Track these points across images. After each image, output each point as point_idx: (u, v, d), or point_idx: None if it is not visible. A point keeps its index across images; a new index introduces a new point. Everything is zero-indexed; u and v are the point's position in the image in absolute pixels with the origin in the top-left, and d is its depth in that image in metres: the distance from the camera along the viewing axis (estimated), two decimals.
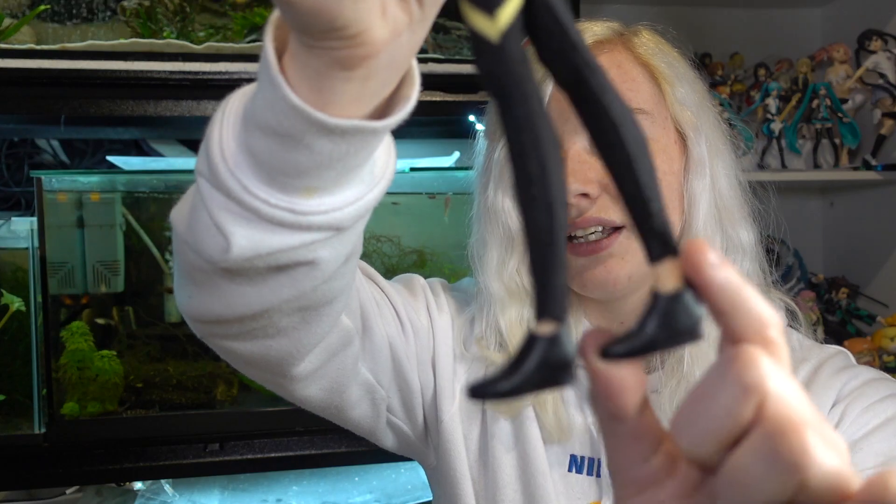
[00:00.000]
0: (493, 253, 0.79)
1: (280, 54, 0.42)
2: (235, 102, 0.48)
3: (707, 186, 0.74)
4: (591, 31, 0.78)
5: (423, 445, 0.84)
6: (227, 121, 0.47)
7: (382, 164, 0.50)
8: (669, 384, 0.74)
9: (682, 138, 0.75)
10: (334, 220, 0.48)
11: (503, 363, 0.29)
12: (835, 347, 0.80)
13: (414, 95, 0.44)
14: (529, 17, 0.27)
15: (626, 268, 0.72)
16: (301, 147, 0.43)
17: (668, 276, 0.28)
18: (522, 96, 0.27)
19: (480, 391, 0.28)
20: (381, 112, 0.44)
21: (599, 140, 0.28)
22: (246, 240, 0.47)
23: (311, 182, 0.45)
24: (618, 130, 0.28)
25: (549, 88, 0.74)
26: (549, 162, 0.27)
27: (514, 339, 0.77)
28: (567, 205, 0.28)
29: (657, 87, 0.75)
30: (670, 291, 0.28)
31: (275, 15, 0.42)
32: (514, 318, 0.78)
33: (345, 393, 0.72)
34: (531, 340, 0.28)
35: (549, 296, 0.28)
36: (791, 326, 0.81)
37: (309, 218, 0.47)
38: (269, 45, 0.41)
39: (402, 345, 0.77)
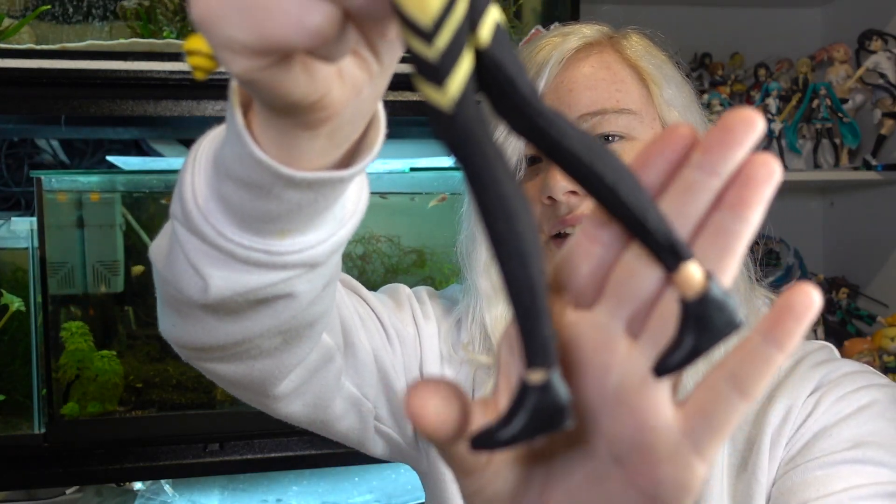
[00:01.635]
0: (480, 250, 0.79)
1: (246, 109, 0.42)
2: (206, 147, 0.48)
3: None
4: (581, 33, 0.79)
5: (415, 451, 0.84)
6: (198, 166, 0.47)
7: (354, 200, 0.50)
8: None
9: None
10: (309, 258, 0.48)
11: (500, 412, 0.30)
12: (819, 342, 0.81)
13: (379, 140, 0.44)
14: (480, 75, 0.27)
15: None
16: (271, 197, 0.43)
17: (689, 282, 0.28)
18: (483, 158, 0.27)
19: (483, 442, 0.29)
20: (349, 157, 0.44)
21: (577, 178, 0.29)
22: (223, 280, 0.48)
23: (284, 225, 0.46)
24: (590, 168, 0.28)
25: (545, 76, 0.75)
26: (518, 218, 0.28)
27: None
28: (541, 252, 0.28)
29: (645, 87, 0.76)
30: (696, 295, 0.28)
31: (235, 88, 0.42)
32: (500, 315, 0.78)
33: (329, 408, 0.73)
34: (524, 390, 0.29)
35: (536, 345, 0.28)
36: None
37: (284, 258, 0.47)
38: (234, 100, 0.41)
39: (389, 355, 0.78)
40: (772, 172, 0.29)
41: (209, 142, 0.49)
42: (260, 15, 0.29)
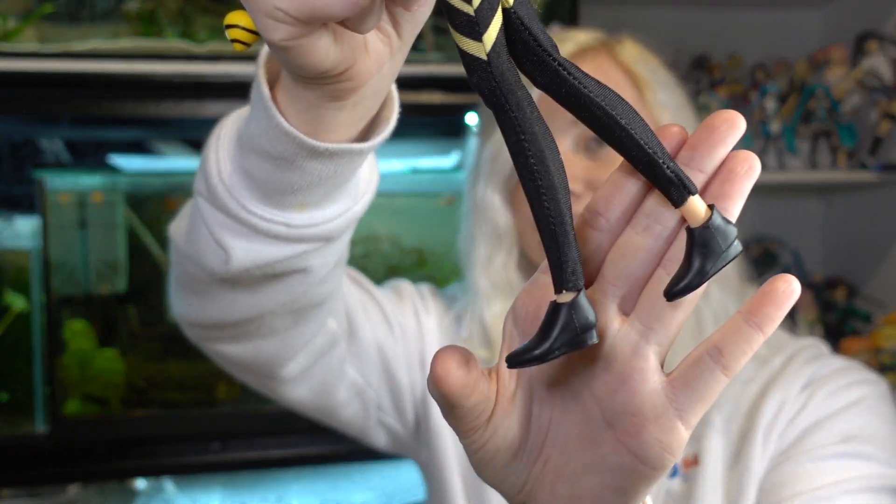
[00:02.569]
0: (480, 249, 0.81)
1: (272, 84, 0.45)
2: (229, 126, 0.52)
3: None
4: (576, 39, 0.80)
5: (415, 442, 0.86)
6: (222, 144, 0.50)
7: (367, 178, 0.54)
8: None
9: None
10: (325, 232, 0.51)
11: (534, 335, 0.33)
12: (809, 339, 0.82)
13: (394, 117, 0.49)
14: (507, 32, 0.31)
15: None
16: (294, 168, 0.46)
17: (694, 212, 0.32)
18: (515, 101, 0.31)
19: (517, 360, 0.32)
20: (365, 133, 0.48)
21: (594, 125, 0.32)
22: (244, 252, 0.50)
23: (304, 198, 0.49)
24: (606, 111, 0.31)
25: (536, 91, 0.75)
26: (546, 154, 0.31)
27: (498, 334, 0.78)
28: (568, 189, 0.32)
29: (639, 91, 0.77)
30: (701, 224, 0.32)
31: (266, 49, 0.45)
32: (499, 313, 0.80)
33: (333, 394, 0.75)
34: (555, 309, 0.32)
35: (564, 270, 0.32)
36: None
37: (302, 230, 0.50)
38: (261, 76, 0.44)
39: (391, 345, 0.80)
40: (751, 168, 0.33)
41: (232, 121, 0.52)
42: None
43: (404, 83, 1.58)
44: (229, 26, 0.36)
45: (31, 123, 1.49)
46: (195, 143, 1.78)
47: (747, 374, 0.78)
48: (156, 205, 1.50)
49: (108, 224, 1.44)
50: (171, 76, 1.29)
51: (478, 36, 0.30)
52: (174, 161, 1.66)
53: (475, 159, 0.83)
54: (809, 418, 0.73)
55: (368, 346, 0.76)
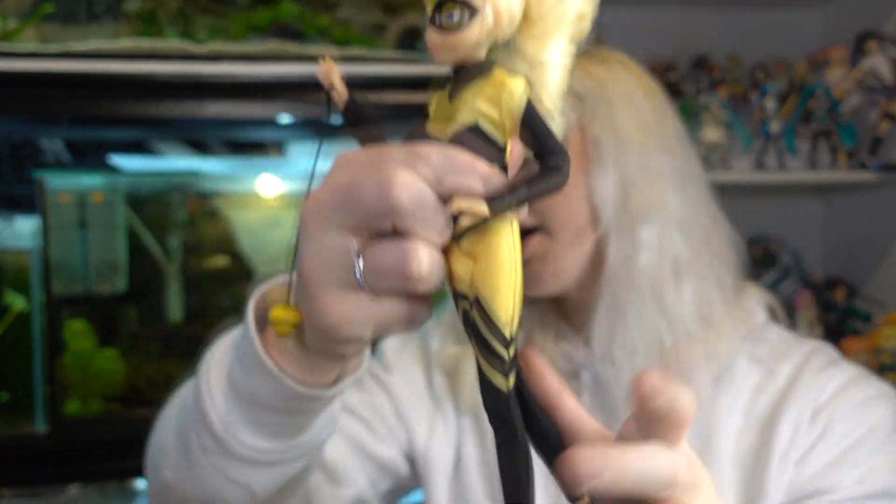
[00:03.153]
0: None
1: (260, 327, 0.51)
2: (215, 376, 0.54)
3: (609, 177, 0.75)
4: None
5: (414, 482, 0.87)
6: (215, 397, 0.53)
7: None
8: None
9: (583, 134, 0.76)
10: (326, 437, 0.57)
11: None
12: (813, 343, 0.82)
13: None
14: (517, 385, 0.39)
15: (547, 268, 0.74)
16: (301, 411, 0.51)
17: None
18: (520, 424, 0.38)
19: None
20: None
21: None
22: (267, 482, 0.55)
23: (304, 424, 0.53)
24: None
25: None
26: (530, 474, 0.37)
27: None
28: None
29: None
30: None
31: (253, 303, 0.53)
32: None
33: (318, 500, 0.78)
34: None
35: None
36: (771, 321, 0.83)
37: (309, 445, 0.55)
38: (256, 341, 0.49)
39: (371, 438, 0.82)
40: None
41: (217, 370, 0.55)
42: (382, 320, 0.38)
43: (404, 83, 1.57)
44: (277, 321, 0.42)
45: (31, 123, 1.50)
46: (195, 143, 1.78)
47: (754, 381, 0.77)
48: (156, 205, 1.50)
49: (108, 224, 1.44)
50: (171, 76, 1.29)
51: (505, 375, 0.36)
52: (174, 161, 1.66)
53: None
54: (828, 453, 0.72)
55: (352, 465, 0.80)
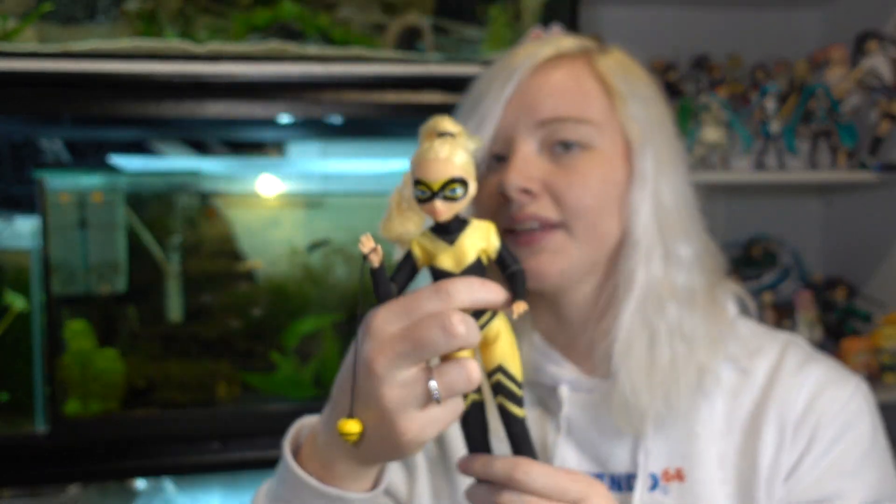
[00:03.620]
0: None
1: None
2: None
3: (648, 198, 0.76)
4: (557, 44, 0.80)
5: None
6: None
7: None
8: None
9: (630, 152, 0.78)
10: None
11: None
12: (784, 336, 0.82)
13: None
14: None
15: (557, 263, 0.75)
16: None
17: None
18: (532, 445, 0.58)
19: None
20: None
21: None
22: None
23: None
24: None
25: (515, 80, 0.77)
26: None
27: None
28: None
29: (610, 101, 0.78)
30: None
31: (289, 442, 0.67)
32: None
33: None
34: None
35: None
36: (742, 315, 0.83)
37: None
38: (300, 471, 0.61)
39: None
40: None
41: None
42: (450, 419, 0.54)
43: (404, 83, 1.57)
44: (345, 433, 0.52)
45: (31, 123, 1.49)
46: (195, 143, 1.78)
47: (731, 382, 0.78)
48: (156, 205, 1.50)
49: (108, 224, 1.44)
50: (171, 76, 1.29)
51: (521, 406, 0.55)
52: (174, 161, 1.66)
53: (460, 117, 0.82)
54: (818, 465, 0.74)
55: None
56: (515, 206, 0.74)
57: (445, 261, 0.52)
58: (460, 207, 0.51)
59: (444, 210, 0.50)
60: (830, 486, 0.73)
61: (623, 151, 0.77)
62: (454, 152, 0.49)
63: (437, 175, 0.49)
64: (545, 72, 0.78)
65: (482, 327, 0.53)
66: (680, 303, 0.76)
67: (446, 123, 0.51)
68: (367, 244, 0.51)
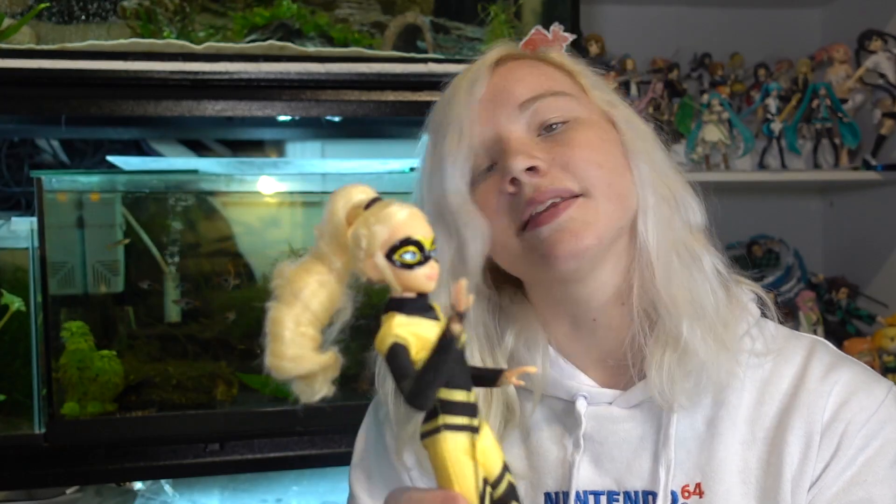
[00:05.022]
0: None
1: None
2: None
3: (647, 161, 0.75)
4: (504, 46, 0.80)
5: None
6: None
7: None
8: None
9: (611, 123, 0.77)
10: None
11: None
12: (810, 339, 0.80)
13: None
14: None
15: (590, 230, 0.71)
16: None
17: None
18: None
19: None
20: None
21: None
22: None
23: None
24: None
25: (480, 81, 0.75)
26: None
27: None
28: None
29: (573, 78, 0.78)
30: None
31: None
32: None
33: None
34: None
35: None
36: (764, 316, 0.80)
37: None
38: None
39: None
40: None
41: None
42: None
43: (404, 83, 1.56)
44: None
45: (28, 123, 1.49)
46: (193, 143, 1.77)
47: (755, 389, 0.75)
48: (153, 205, 1.49)
49: (105, 224, 1.44)
50: (169, 75, 1.28)
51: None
52: (172, 161, 1.66)
53: (434, 144, 0.79)
54: (848, 470, 0.71)
55: None
56: (529, 189, 0.71)
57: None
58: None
59: (435, 275, 0.42)
60: (857, 494, 0.70)
61: (604, 118, 0.77)
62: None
63: (428, 231, 0.41)
64: (506, 67, 0.77)
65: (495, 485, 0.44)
66: (709, 251, 0.75)
67: (367, 190, 0.43)
68: (463, 299, 0.41)
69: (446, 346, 0.40)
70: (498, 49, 0.79)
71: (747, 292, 0.80)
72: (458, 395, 0.42)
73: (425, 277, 0.41)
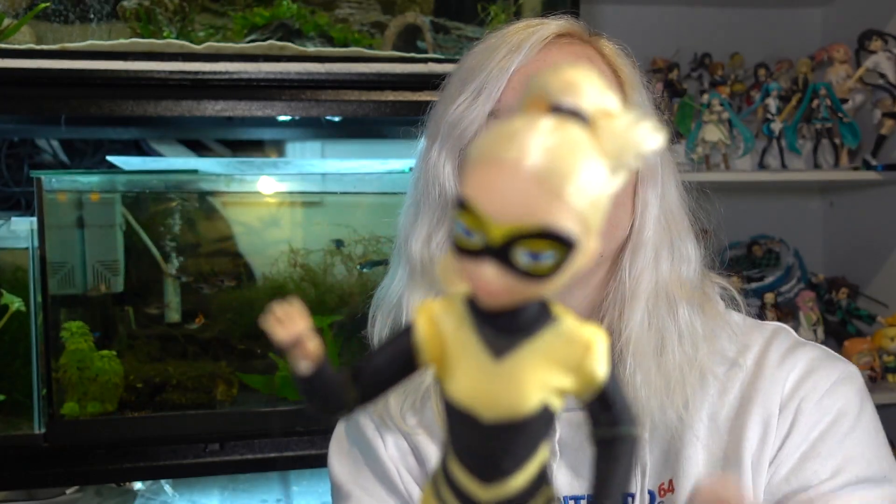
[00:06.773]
0: (424, 219, 0.77)
1: None
2: None
3: (657, 194, 0.74)
4: (560, 22, 0.76)
5: None
6: None
7: None
8: None
9: None
10: None
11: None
12: (773, 325, 0.80)
13: None
14: None
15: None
16: None
17: None
18: None
19: None
20: None
21: None
22: None
23: None
24: None
25: (521, 53, 0.72)
26: None
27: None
28: None
29: (621, 88, 0.75)
30: None
31: None
32: (419, 301, 0.74)
33: None
34: None
35: None
36: (730, 308, 0.80)
37: None
38: None
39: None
40: None
41: None
42: None
43: (404, 83, 1.56)
44: None
45: (28, 123, 1.49)
46: (193, 143, 1.77)
47: (718, 381, 0.75)
48: (153, 204, 1.49)
49: (105, 224, 1.43)
50: (169, 75, 1.28)
51: None
52: (172, 161, 1.66)
53: (434, 121, 0.78)
54: (802, 445, 0.72)
55: None
56: None
57: (467, 383, 0.27)
58: (542, 290, 0.26)
59: (499, 288, 0.26)
60: (811, 468, 0.71)
61: None
62: (574, 165, 0.24)
63: (509, 210, 0.25)
64: (556, 47, 0.73)
65: None
66: (691, 304, 0.73)
67: (580, 78, 0.25)
68: (285, 323, 0.27)
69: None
70: (559, 24, 0.75)
71: (713, 285, 0.79)
72: None
73: (469, 274, 0.28)
